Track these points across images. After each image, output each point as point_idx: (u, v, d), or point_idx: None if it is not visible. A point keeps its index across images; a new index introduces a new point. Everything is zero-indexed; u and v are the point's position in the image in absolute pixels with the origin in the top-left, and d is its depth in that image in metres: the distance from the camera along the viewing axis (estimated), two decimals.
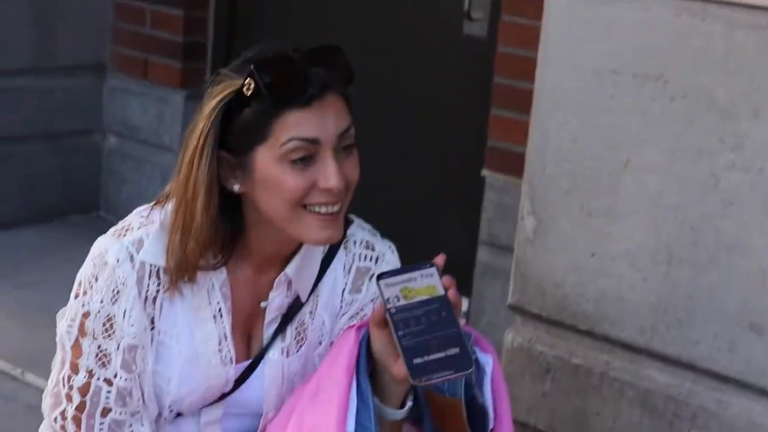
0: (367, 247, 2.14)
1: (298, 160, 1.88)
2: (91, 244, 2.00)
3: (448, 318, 1.83)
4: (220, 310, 2.01)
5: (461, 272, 3.98)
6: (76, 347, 1.97)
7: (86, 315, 1.96)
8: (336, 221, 1.94)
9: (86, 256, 2.00)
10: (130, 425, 2.01)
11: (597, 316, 2.49)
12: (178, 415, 2.07)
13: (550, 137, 2.52)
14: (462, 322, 1.87)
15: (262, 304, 2.06)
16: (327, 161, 1.89)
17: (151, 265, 1.96)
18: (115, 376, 1.96)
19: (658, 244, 2.39)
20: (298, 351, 2.10)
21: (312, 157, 1.89)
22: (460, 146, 4.15)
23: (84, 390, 1.97)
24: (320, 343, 2.12)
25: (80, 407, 1.98)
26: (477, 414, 2.00)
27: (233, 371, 2.05)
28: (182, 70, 4.78)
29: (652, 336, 2.43)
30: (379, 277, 1.86)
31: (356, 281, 2.12)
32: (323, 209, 1.92)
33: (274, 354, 2.08)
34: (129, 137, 5.01)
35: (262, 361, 2.08)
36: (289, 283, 2.05)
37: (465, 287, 3.97)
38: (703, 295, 2.35)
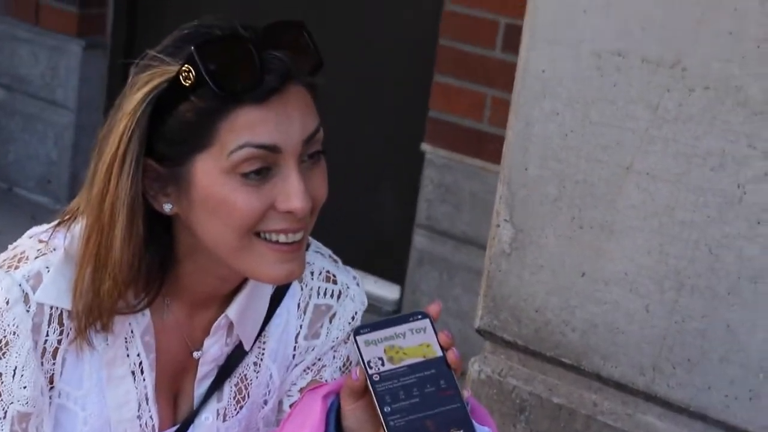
0: (327, 280, 1.82)
1: (252, 173, 1.56)
2: None
3: (448, 388, 1.51)
4: (140, 364, 1.69)
5: (394, 258, 3.85)
6: None
7: None
8: (298, 252, 1.62)
9: None
10: None
11: (585, 349, 2.24)
12: None
13: (534, 130, 2.25)
14: (466, 394, 1.52)
15: (195, 355, 1.74)
16: (289, 175, 1.57)
17: (51, 308, 1.61)
18: None
19: (665, 267, 2.15)
20: (237, 413, 1.79)
21: (269, 170, 1.57)
22: (397, 116, 3.99)
23: None
24: (265, 403, 1.81)
25: None
26: None
27: None
28: (79, 16, 4.56)
29: (653, 376, 2.19)
30: (357, 332, 1.53)
31: (314, 323, 1.81)
32: (282, 237, 1.59)
33: (207, 418, 1.77)
34: (17, 90, 4.77)
35: (192, 426, 1.76)
36: (230, 328, 1.73)
37: (398, 275, 3.84)
38: (719, 332, 2.11)
